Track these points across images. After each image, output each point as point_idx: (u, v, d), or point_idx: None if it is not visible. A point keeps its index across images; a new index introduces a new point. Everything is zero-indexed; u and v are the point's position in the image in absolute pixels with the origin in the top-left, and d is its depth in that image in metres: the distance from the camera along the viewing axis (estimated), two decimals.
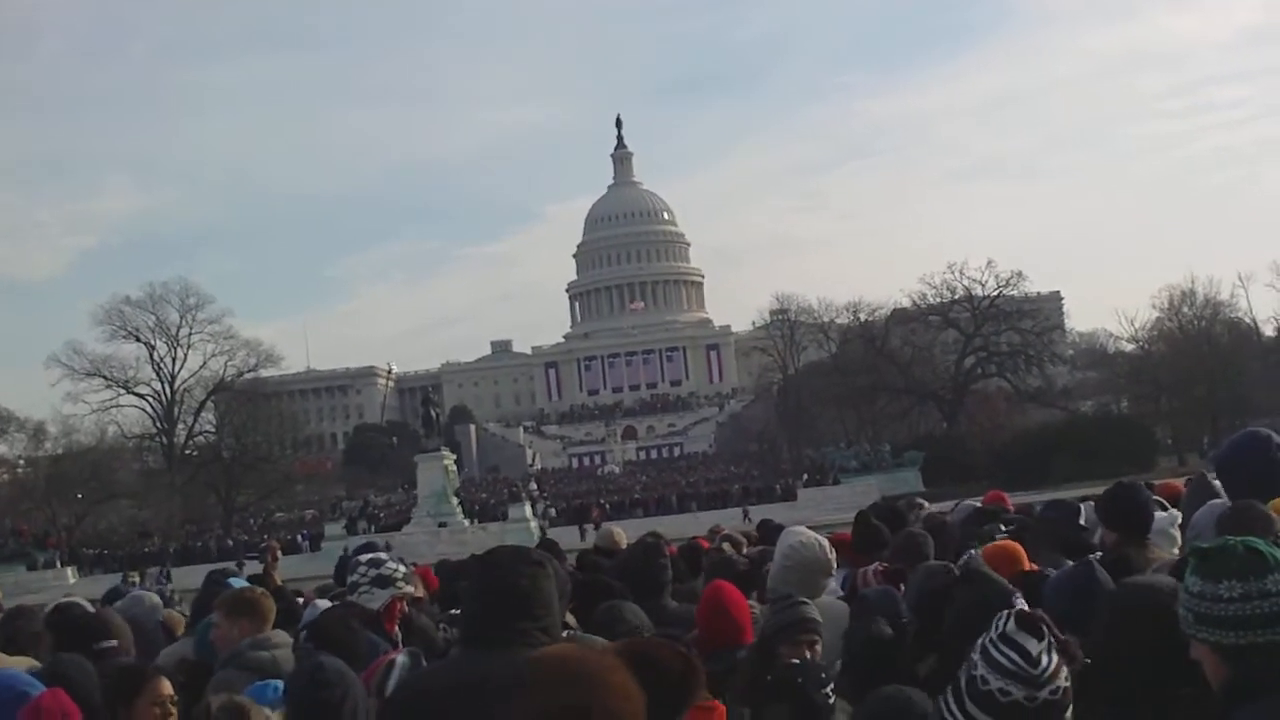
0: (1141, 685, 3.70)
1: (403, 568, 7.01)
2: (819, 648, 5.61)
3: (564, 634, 5.43)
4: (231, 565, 18.92)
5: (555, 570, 4.45)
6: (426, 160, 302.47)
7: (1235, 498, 6.48)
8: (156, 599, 9.58)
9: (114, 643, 6.80)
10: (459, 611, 6.05)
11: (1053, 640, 3.42)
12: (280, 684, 5.46)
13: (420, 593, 9.80)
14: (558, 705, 2.86)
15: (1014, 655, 3.40)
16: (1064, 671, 3.42)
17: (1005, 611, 3.54)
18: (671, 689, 3.37)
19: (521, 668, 3.73)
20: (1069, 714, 3.46)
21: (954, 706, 3.49)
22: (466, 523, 75.71)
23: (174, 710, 5.49)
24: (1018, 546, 7.08)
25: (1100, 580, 5.24)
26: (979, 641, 3.50)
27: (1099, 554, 6.61)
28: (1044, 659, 3.39)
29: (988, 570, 5.56)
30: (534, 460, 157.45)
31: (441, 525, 73.32)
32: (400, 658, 5.59)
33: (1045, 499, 12.58)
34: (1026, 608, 3.86)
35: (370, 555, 7.07)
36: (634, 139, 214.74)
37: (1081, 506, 9.55)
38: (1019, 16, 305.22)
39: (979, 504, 11.43)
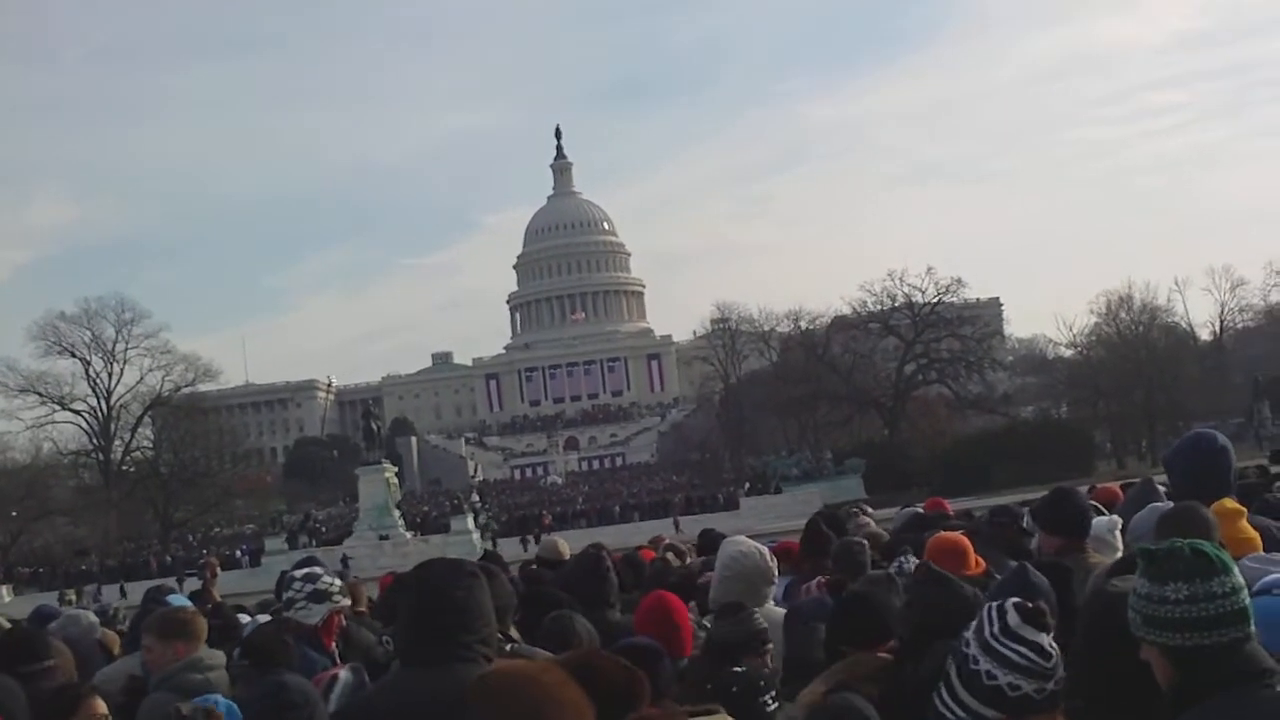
0: (1117, 689, 3.69)
1: (339, 581, 6.93)
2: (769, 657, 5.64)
3: (508, 647, 5.37)
4: (171, 582, 18.69)
5: (495, 582, 4.39)
6: (365, 167, 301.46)
7: (1182, 498, 6.51)
8: (93, 618, 9.43)
9: (49, 663, 6.66)
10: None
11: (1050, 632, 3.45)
12: (219, 699, 5.36)
13: (362, 606, 9.73)
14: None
15: (1026, 650, 3.43)
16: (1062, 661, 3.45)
17: (1001, 605, 3.53)
18: (617, 701, 3.33)
19: (465, 685, 3.69)
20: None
21: (951, 703, 3.48)
22: (409, 535, 75.36)
23: None
24: (963, 539, 7.10)
25: (1035, 583, 5.24)
26: (977, 637, 3.48)
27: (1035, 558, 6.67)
28: (1054, 652, 3.41)
29: (943, 572, 5.55)
30: (476, 472, 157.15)
31: (383, 538, 72.97)
32: (343, 674, 5.51)
33: (987, 504, 12.68)
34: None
35: (305, 570, 6.99)
36: (573, 148, 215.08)
37: (1023, 513, 9.64)
38: (957, 22, 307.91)
39: (920, 510, 11.49)
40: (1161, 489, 7.42)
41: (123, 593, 62.16)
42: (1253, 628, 3.30)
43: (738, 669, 5.03)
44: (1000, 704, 3.40)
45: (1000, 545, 7.69)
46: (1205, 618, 3.24)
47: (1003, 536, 8.08)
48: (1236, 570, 3.34)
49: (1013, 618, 3.44)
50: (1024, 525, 8.24)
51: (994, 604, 3.54)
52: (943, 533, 7.62)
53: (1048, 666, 3.40)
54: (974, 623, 3.57)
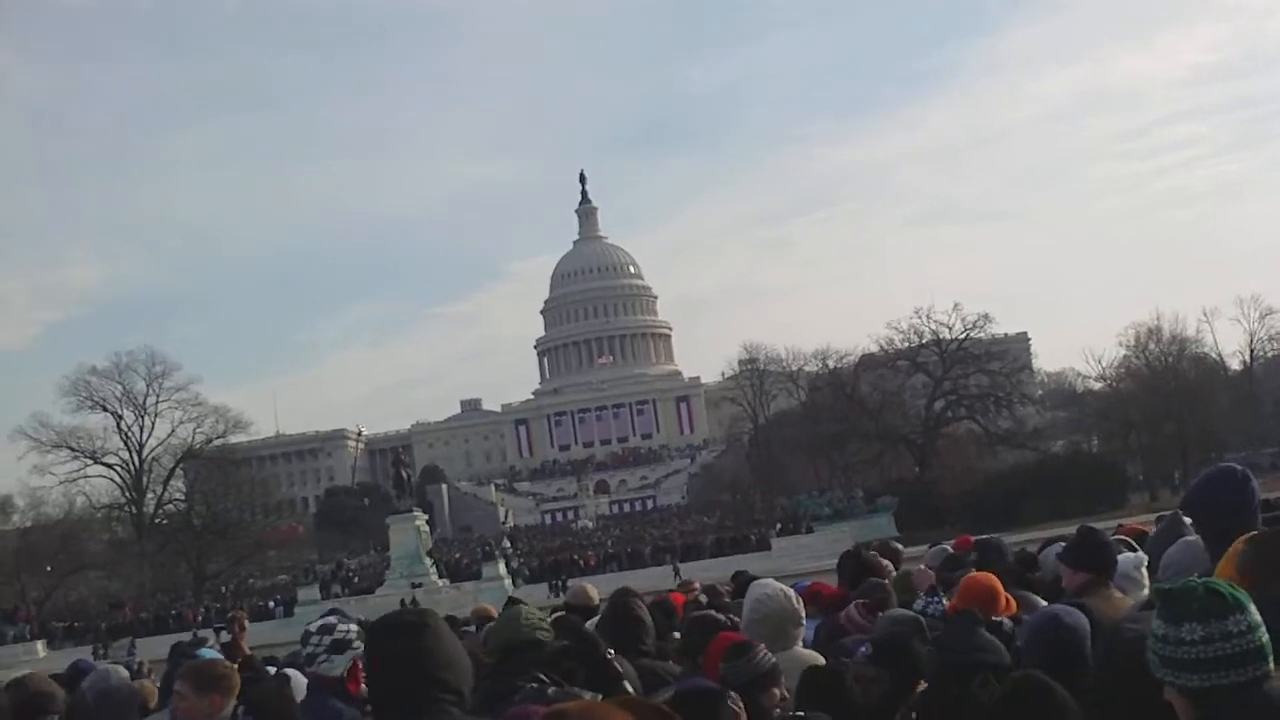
0: None
1: (355, 627, 6.98)
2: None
3: (549, 690, 5.40)
4: (204, 633, 18.75)
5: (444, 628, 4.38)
6: (390, 219, 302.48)
7: (1207, 534, 6.49)
8: (124, 673, 9.47)
9: (53, 717, 6.79)
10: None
11: None
12: None
13: None
14: None
15: None
16: None
17: None
18: None
19: None
20: None
21: None
22: (441, 583, 75.29)
23: None
24: (995, 580, 7.13)
25: (1069, 625, 5.27)
26: None
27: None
28: None
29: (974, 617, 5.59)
30: (506, 518, 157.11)
31: (416, 586, 72.90)
32: None
33: (1018, 540, 12.68)
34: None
35: (320, 623, 7.03)
36: (597, 193, 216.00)
37: (1001, 540, 9.67)
38: (973, 63, 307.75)
39: (950, 548, 11.49)
40: (1187, 521, 7.40)
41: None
42: (1271, 665, 3.30)
43: (800, 714, 5.07)
44: None
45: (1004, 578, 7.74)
46: (1222, 657, 3.24)
47: (997, 569, 8.14)
48: (1253, 607, 3.34)
49: None
50: (1009, 554, 8.33)
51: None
52: (975, 573, 7.64)
53: None
54: None
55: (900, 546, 11.18)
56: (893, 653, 5.62)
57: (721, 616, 7.34)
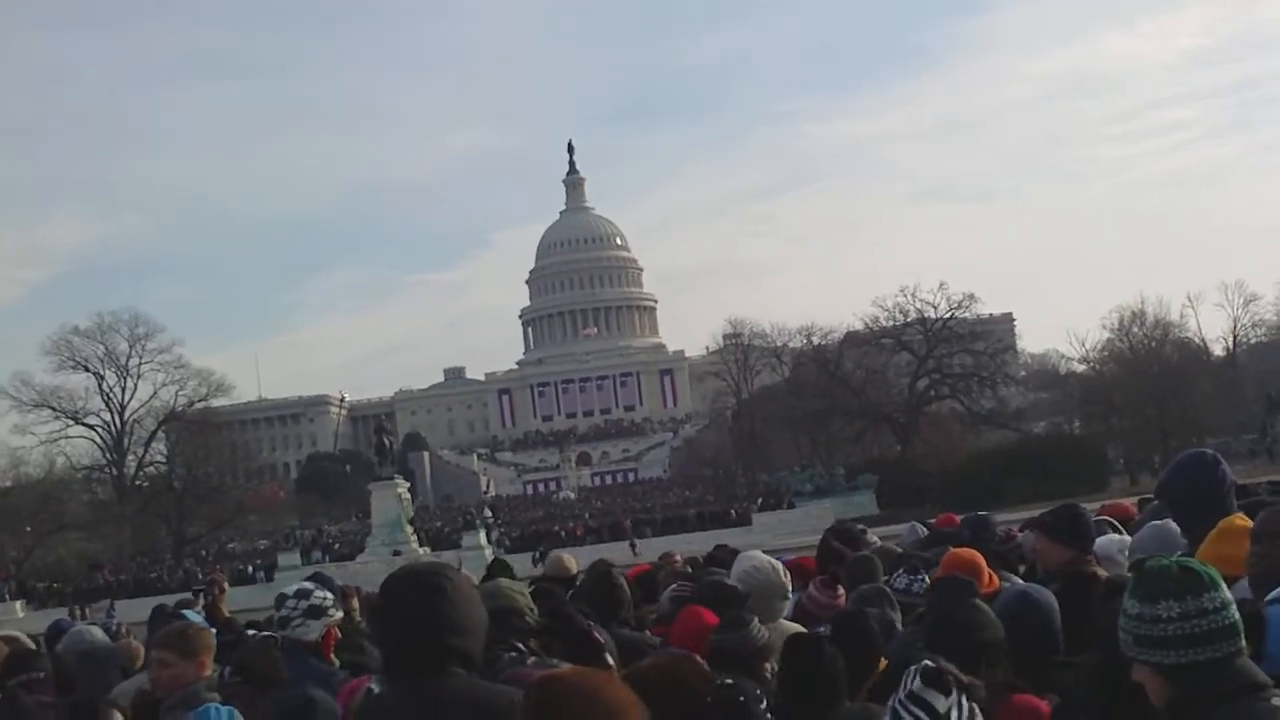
0: (1133, 702, 3.73)
1: (331, 596, 6.98)
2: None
3: (529, 660, 5.40)
4: (188, 596, 18.75)
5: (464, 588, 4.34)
6: (377, 185, 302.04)
7: (1179, 519, 6.54)
8: (99, 632, 9.44)
9: (39, 674, 6.82)
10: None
11: (961, 690, 3.47)
12: (224, 709, 5.41)
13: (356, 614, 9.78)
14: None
15: (920, 713, 3.50)
16: (976, 717, 3.48)
17: (913, 668, 3.59)
18: (698, 710, 3.36)
19: (438, 697, 3.75)
20: None
21: None
22: (421, 551, 75.30)
23: None
24: (978, 556, 7.15)
25: (1036, 601, 5.30)
26: (890, 701, 3.55)
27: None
28: (953, 713, 3.47)
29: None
30: (488, 487, 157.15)
31: (396, 554, 72.83)
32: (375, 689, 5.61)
33: (1001, 520, 12.71)
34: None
35: (297, 587, 7.03)
36: (585, 164, 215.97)
37: (989, 517, 9.73)
38: (964, 41, 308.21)
39: (922, 526, 11.55)
40: None
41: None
42: (1243, 642, 3.33)
43: (729, 681, 5.05)
44: None
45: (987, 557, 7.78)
46: (1198, 634, 3.27)
47: (978, 547, 8.18)
48: (1224, 586, 3.37)
49: (917, 682, 3.50)
50: (994, 533, 8.37)
51: (912, 665, 3.60)
52: (956, 550, 7.66)
53: None
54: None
55: (859, 530, 11.21)
56: (850, 632, 5.59)
57: (735, 584, 7.31)
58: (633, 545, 67.65)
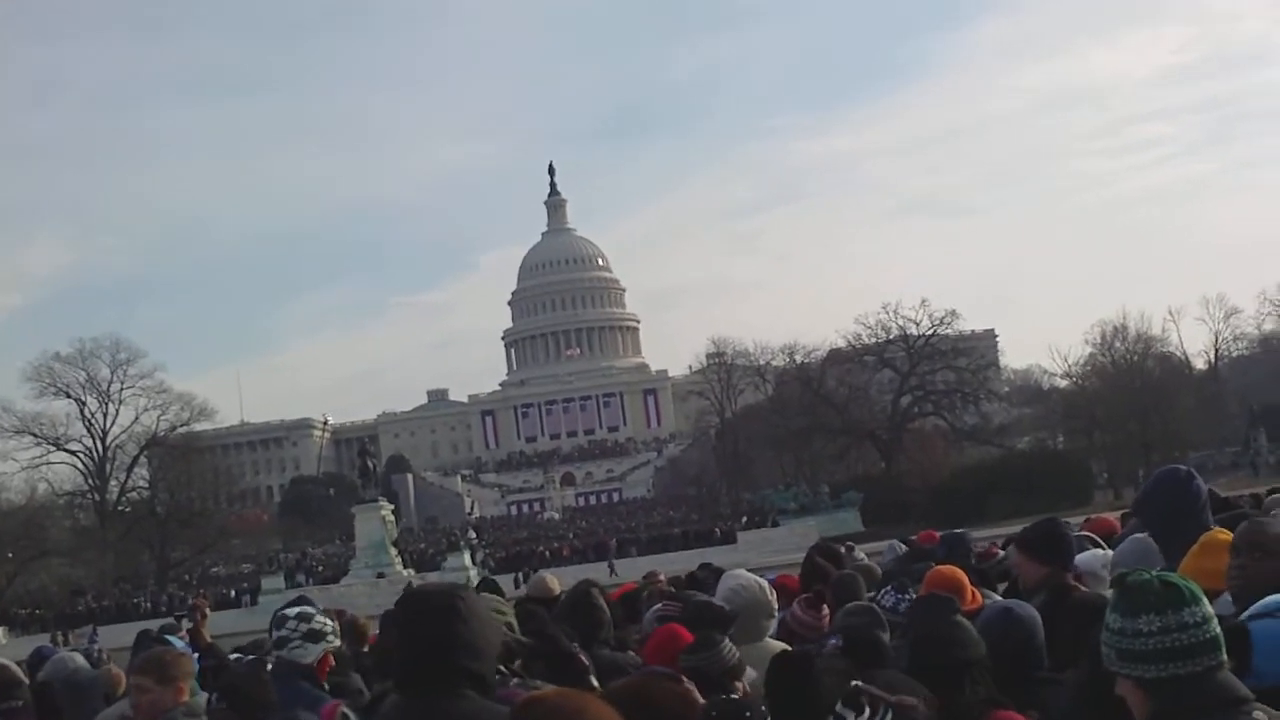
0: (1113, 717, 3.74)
1: (330, 622, 6.96)
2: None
3: (512, 682, 5.39)
4: (171, 621, 18.69)
5: (479, 607, 4.32)
6: (359, 206, 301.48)
7: (1156, 536, 6.57)
8: (81, 659, 9.41)
9: (16, 703, 6.79)
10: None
11: (884, 709, 3.52)
12: None
13: (364, 645, 9.74)
14: None
15: None
16: None
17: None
18: None
19: (454, 713, 3.74)
20: None
21: None
22: (405, 573, 75.14)
23: None
24: (960, 573, 7.16)
25: (1020, 617, 5.32)
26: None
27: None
28: None
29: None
30: (473, 509, 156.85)
31: (380, 576, 72.80)
32: (350, 715, 5.59)
33: (984, 536, 12.75)
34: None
35: (299, 609, 7.00)
36: (566, 185, 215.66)
37: (966, 534, 9.74)
38: (946, 57, 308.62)
39: (901, 546, 11.58)
40: None
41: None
42: (1224, 656, 3.34)
43: (732, 695, 5.07)
44: None
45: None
46: (1179, 648, 3.28)
47: (960, 566, 8.20)
48: (1205, 600, 3.38)
49: (839, 703, 3.57)
50: (970, 550, 8.37)
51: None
52: (939, 568, 7.67)
53: None
54: None
55: (842, 549, 11.19)
56: (862, 645, 5.65)
57: (720, 604, 7.29)
58: (611, 566, 67.55)
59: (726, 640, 5.85)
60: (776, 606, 7.49)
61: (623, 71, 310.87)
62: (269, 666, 6.88)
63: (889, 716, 3.58)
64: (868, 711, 3.55)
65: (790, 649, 6.46)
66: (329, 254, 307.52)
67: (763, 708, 5.11)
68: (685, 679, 4.85)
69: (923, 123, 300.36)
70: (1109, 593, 6.38)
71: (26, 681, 7.62)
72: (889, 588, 7.69)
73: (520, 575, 68.45)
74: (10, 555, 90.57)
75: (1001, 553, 9.64)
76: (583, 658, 6.09)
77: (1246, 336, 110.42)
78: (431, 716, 3.97)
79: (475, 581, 16.69)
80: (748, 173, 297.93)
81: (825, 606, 7.52)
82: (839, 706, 3.57)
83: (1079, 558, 7.11)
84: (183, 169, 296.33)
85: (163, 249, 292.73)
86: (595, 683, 5.73)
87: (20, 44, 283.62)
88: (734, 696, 5.18)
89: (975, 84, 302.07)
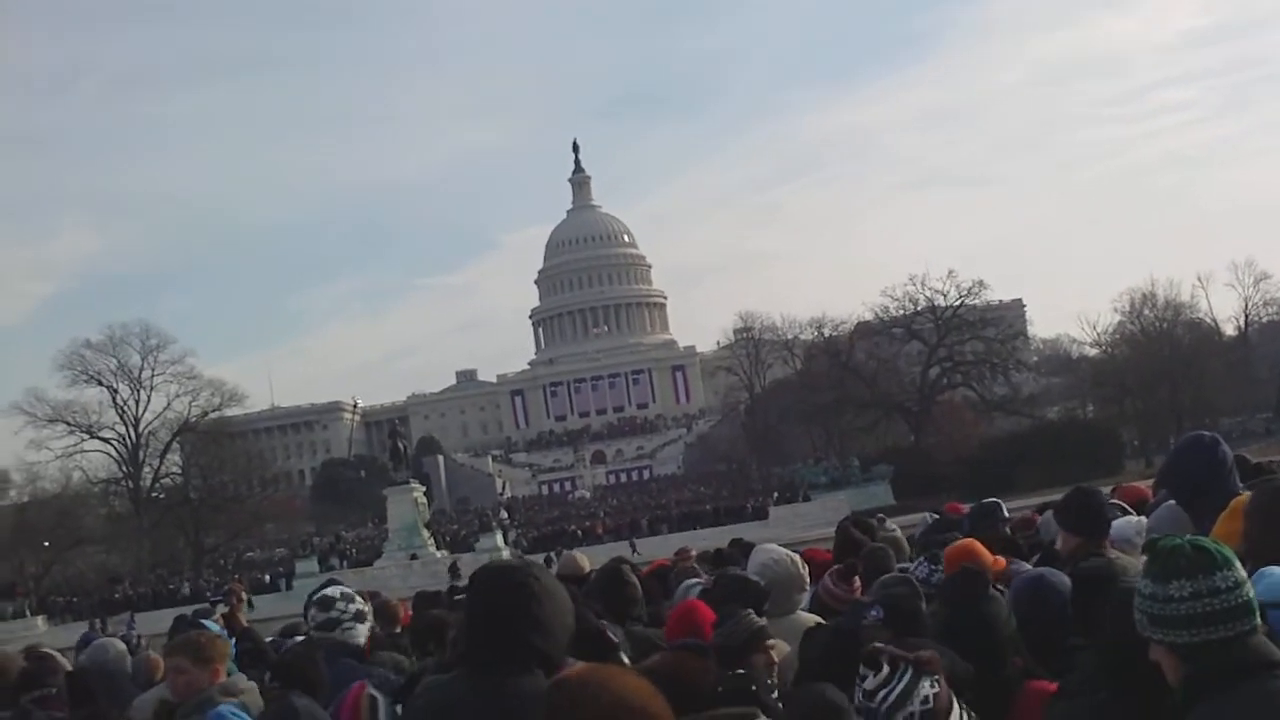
0: (1141, 682, 3.72)
1: (368, 606, 7.03)
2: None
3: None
4: (206, 606, 18.84)
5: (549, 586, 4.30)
6: (383, 189, 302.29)
7: (1183, 503, 6.53)
8: (121, 646, 9.49)
9: (49, 690, 6.88)
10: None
11: (900, 667, 3.54)
12: (238, 710, 5.43)
13: (396, 627, 9.79)
14: (595, 713, 2.86)
15: (859, 690, 3.64)
16: (918, 692, 3.54)
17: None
18: (704, 703, 3.37)
19: (517, 693, 3.74)
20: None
21: None
22: (438, 554, 75.39)
23: None
24: (976, 545, 7.14)
25: (1051, 584, 5.30)
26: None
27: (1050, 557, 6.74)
28: (880, 691, 3.58)
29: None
30: (504, 489, 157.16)
31: (413, 558, 73.09)
32: (377, 695, 5.61)
33: (1014, 507, 12.70)
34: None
35: (340, 590, 7.06)
36: (590, 162, 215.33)
37: (1000, 504, 9.68)
38: (962, 27, 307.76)
39: (930, 516, 11.57)
40: None
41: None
42: (1258, 620, 3.33)
43: (741, 670, 5.07)
44: None
45: (987, 544, 7.73)
46: (1210, 613, 3.27)
47: (987, 535, 8.15)
48: (1238, 564, 3.37)
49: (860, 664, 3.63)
50: (1004, 519, 8.32)
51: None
52: (956, 543, 7.66)
53: (871, 706, 3.60)
54: None
55: (875, 522, 11.17)
56: (904, 615, 5.68)
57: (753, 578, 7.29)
58: (632, 545, 67.52)
59: (749, 613, 5.86)
60: (808, 580, 7.48)
61: (639, 49, 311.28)
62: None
63: (909, 673, 3.59)
64: (886, 670, 3.56)
65: (822, 622, 6.47)
66: (353, 238, 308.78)
67: (772, 680, 5.12)
68: (704, 653, 4.88)
69: (940, 94, 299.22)
70: (1118, 558, 6.37)
71: (67, 668, 7.69)
72: (922, 559, 7.68)
73: (551, 555, 68.74)
74: (47, 544, 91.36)
75: (1040, 519, 9.60)
76: (610, 634, 6.09)
77: (1276, 301, 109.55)
78: (502, 695, 3.94)
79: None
80: (766, 147, 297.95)
81: (857, 579, 7.51)
82: (862, 668, 3.60)
83: (1114, 525, 7.07)
84: (206, 156, 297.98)
85: (188, 236, 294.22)
86: (625, 659, 5.73)
87: (39, 34, 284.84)
88: (741, 672, 5.18)
89: (992, 54, 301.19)
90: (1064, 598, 5.22)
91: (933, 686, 3.61)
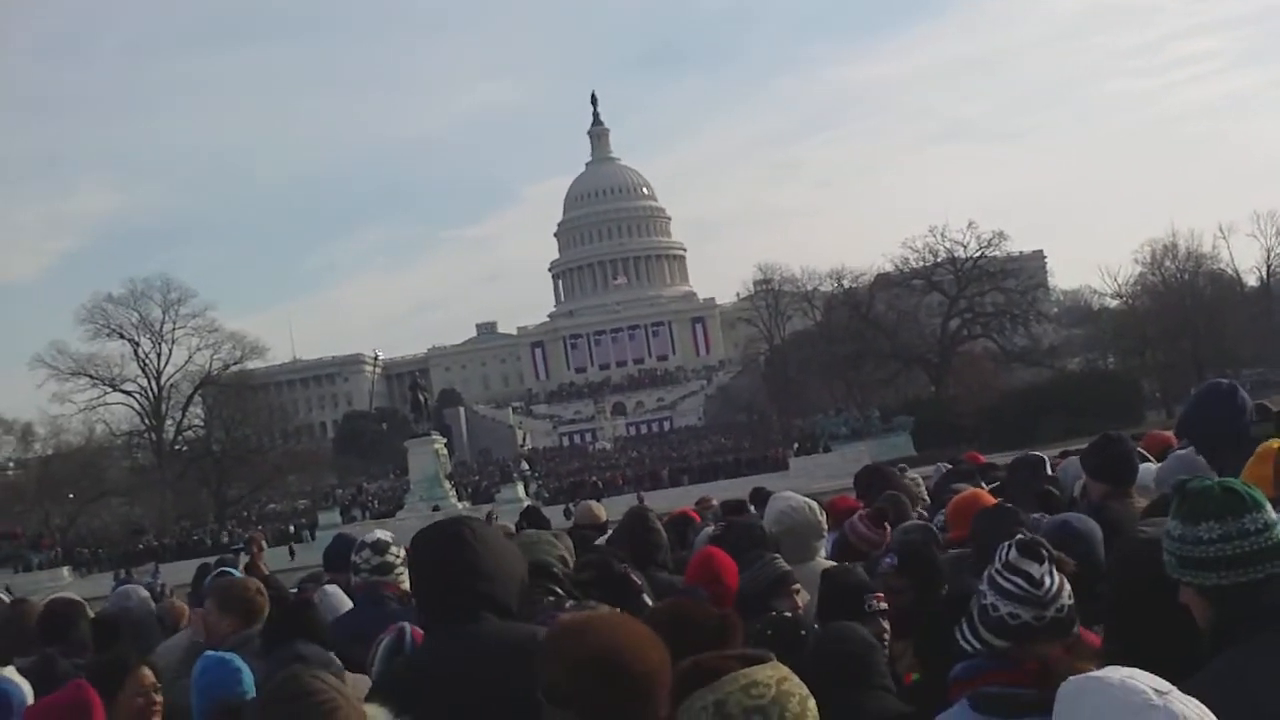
0: (1152, 632, 3.72)
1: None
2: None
3: (567, 604, 5.43)
4: (229, 555, 18.93)
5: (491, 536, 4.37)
6: (403, 143, 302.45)
7: (1204, 453, 6.51)
8: (144, 592, 9.57)
9: (76, 637, 6.99)
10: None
11: (1052, 562, 3.54)
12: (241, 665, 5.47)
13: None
14: (583, 657, 2.87)
15: (1019, 580, 3.55)
16: (1067, 590, 3.58)
17: (1007, 542, 3.65)
18: (709, 646, 3.38)
19: (475, 643, 3.80)
20: (1075, 629, 3.62)
21: (970, 636, 3.61)
22: (461, 505, 75.61)
23: (158, 698, 5.49)
24: (982, 496, 7.14)
25: (1076, 530, 5.29)
26: (986, 572, 3.61)
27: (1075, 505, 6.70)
28: (1046, 580, 3.55)
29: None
30: (525, 440, 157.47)
31: (435, 509, 73.15)
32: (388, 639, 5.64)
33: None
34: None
35: (388, 536, 7.14)
36: (609, 115, 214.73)
37: (1045, 459, 9.64)
38: None
39: (946, 466, 11.57)
40: None
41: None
42: None
43: (786, 614, 5.10)
44: (1004, 633, 3.52)
45: (1025, 497, 7.68)
46: (1239, 555, 3.26)
47: (1027, 487, 8.10)
48: (1268, 506, 3.35)
49: (1012, 553, 3.57)
50: (1046, 475, 8.26)
51: (1003, 544, 3.66)
52: (963, 492, 7.65)
53: (1038, 594, 3.52)
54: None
55: (897, 471, 11.17)
56: (918, 563, 5.69)
57: (771, 525, 7.30)
58: (639, 497, 67.59)
59: (776, 556, 5.88)
60: (826, 527, 7.49)
61: (660, 2, 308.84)
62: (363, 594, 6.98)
63: (1056, 569, 3.62)
64: (1046, 563, 3.58)
65: (838, 565, 6.48)
66: (373, 192, 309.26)
67: (815, 625, 5.15)
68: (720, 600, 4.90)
69: (960, 47, 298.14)
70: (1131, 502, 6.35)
71: (89, 616, 7.75)
72: (941, 511, 7.68)
73: (570, 506, 68.88)
74: (71, 496, 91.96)
75: (1060, 466, 9.57)
76: (635, 578, 6.12)
77: None
78: (453, 642, 4.06)
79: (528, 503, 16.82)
80: (787, 100, 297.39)
81: (887, 524, 7.52)
82: (1015, 557, 3.58)
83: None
84: (225, 111, 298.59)
85: (208, 191, 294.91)
86: (650, 603, 5.76)
87: None
88: (785, 615, 5.20)
89: (1015, 6, 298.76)
90: (1090, 544, 5.21)
91: (1070, 597, 3.64)
